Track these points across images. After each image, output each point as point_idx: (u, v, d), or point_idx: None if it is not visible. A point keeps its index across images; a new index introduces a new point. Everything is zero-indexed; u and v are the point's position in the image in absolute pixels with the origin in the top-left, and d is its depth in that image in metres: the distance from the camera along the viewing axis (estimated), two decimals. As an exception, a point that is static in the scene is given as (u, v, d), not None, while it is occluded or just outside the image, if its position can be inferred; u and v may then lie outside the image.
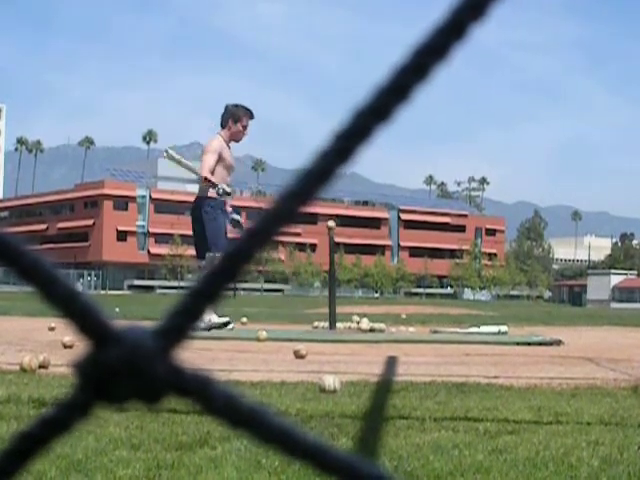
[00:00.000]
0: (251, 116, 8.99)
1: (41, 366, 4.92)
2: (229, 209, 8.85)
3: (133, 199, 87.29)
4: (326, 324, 9.42)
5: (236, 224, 8.87)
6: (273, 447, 0.43)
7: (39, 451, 0.45)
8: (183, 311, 0.43)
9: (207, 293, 0.43)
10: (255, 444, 0.43)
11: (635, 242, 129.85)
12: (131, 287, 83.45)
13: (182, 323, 0.43)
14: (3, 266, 0.43)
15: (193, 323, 0.43)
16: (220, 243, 8.57)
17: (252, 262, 0.43)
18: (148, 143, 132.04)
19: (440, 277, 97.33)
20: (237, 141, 8.98)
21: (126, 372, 0.41)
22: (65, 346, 6.37)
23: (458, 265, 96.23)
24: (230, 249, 0.43)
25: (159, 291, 79.67)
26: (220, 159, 8.75)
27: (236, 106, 8.91)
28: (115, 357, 0.41)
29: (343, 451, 0.43)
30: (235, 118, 8.82)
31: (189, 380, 0.43)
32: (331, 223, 9.84)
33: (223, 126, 8.89)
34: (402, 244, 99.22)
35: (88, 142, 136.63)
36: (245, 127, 8.91)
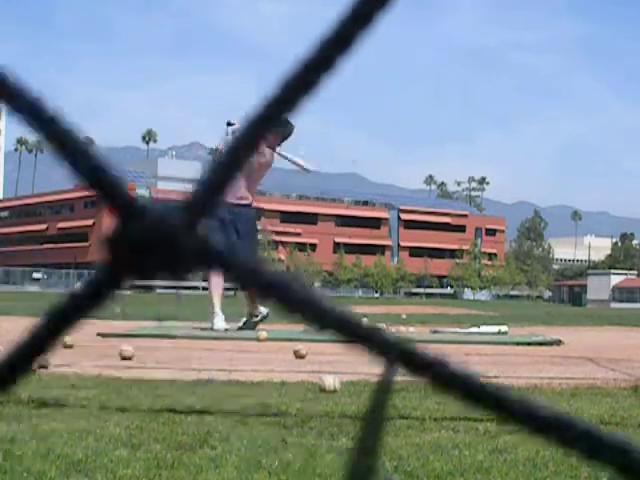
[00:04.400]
0: (284, 132, 9.04)
1: (41, 366, 4.92)
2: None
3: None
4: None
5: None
6: (298, 314, 0.44)
7: (71, 325, 0.45)
8: (207, 186, 0.43)
9: (229, 165, 0.43)
10: (281, 313, 0.43)
11: (635, 242, 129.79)
12: (131, 287, 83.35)
13: (206, 197, 0.43)
14: (37, 133, 0.44)
15: (216, 197, 0.43)
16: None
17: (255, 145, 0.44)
18: (148, 143, 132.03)
19: (440, 277, 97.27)
20: (271, 147, 9.02)
21: (152, 244, 0.42)
22: (65, 346, 6.36)
23: (458, 265, 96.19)
24: (241, 129, 0.44)
25: (159, 291, 79.61)
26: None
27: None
28: (144, 229, 0.42)
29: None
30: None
31: (214, 252, 0.43)
32: None
33: None
34: (402, 244, 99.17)
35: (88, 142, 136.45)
36: (275, 138, 8.96)
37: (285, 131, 9.04)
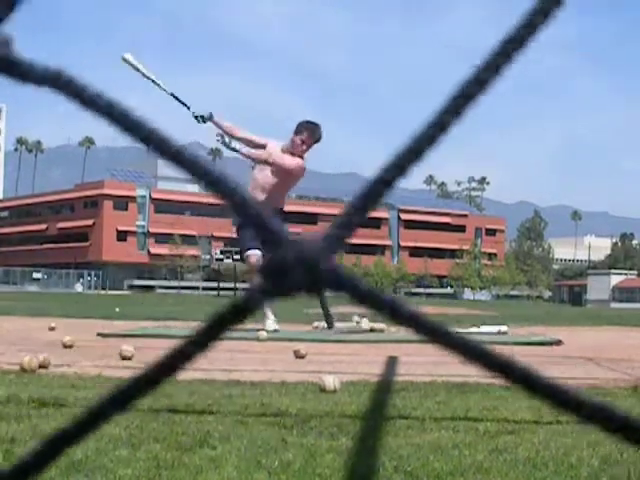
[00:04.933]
0: (318, 139, 9.06)
1: (41, 366, 4.92)
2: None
3: (133, 199, 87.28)
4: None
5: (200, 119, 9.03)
6: (431, 340, 0.56)
7: (228, 329, 0.59)
8: (342, 223, 0.54)
9: (360, 209, 0.55)
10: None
11: (635, 242, 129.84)
12: (131, 287, 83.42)
13: (341, 233, 0.54)
14: (196, 181, 0.55)
15: (349, 234, 0.55)
16: (245, 242, 8.84)
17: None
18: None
19: (440, 277, 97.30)
20: (295, 154, 9.03)
21: (295, 267, 0.53)
22: (65, 346, 6.36)
23: (458, 265, 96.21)
24: (375, 178, 0.57)
25: (159, 291, 79.62)
26: (267, 165, 8.90)
27: (309, 123, 9.08)
28: (287, 256, 0.53)
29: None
30: (302, 134, 8.96)
31: (345, 278, 0.54)
32: None
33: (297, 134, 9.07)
34: (402, 244, 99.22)
35: (88, 142, 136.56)
36: (308, 145, 8.99)
37: (316, 135, 9.08)
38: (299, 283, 0.54)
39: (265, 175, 9.00)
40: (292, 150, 8.99)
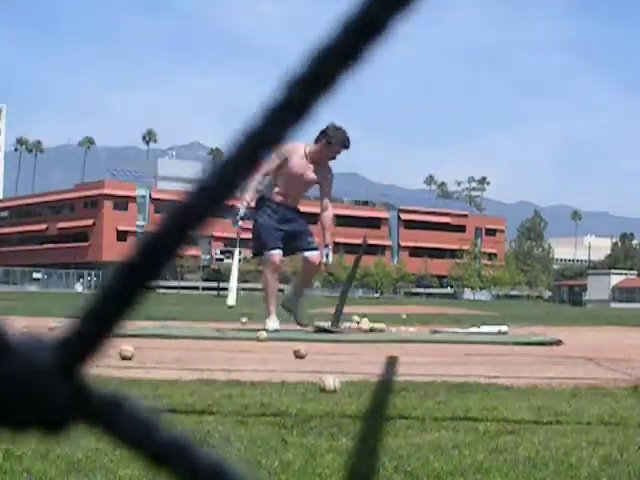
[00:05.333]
0: (345, 145, 9.02)
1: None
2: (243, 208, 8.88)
3: (133, 199, 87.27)
4: (326, 324, 9.44)
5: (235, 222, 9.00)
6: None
7: None
8: (91, 318, 0.35)
9: (121, 294, 0.35)
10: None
11: (635, 242, 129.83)
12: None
13: (90, 333, 0.35)
14: None
15: (105, 332, 0.35)
16: (267, 242, 8.84)
17: (178, 250, 0.34)
18: (148, 143, 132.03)
19: (440, 277, 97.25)
20: (321, 161, 9.00)
21: (17, 393, 0.33)
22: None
23: (458, 265, 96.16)
24: (147, 238, 0.35)
25: (159, 291, 79.64)
26: (283, 166, 8.81)
27: (336, 128, 8.94)
28: (7, 372, 0.33)
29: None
30: (329, 141, 8.84)
31: (97, 405, 0.34)
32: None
33: (316, 142, 8.95)
34: (402, 244, 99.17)
35: (88, 142, 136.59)
36: (334, 150, 8.93)
37: (346, 142, 9.02)
38: (25, 417, 0.33)
39: (285, 178, 8.99)
40: (320, 157, 8.96)
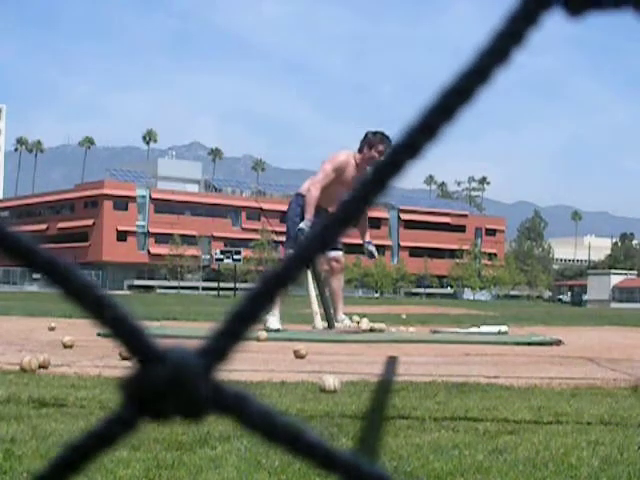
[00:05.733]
0: (388, 143, 9.08)
1: (41, 366, 4.92)
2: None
3: (133, 199, 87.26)
4: (326, 324, 9.45)
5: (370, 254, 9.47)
6: (308, 461, 0.45)
7: (85, 463, 0.50)
8: (226, 332, 0.45)
9: (250, 314, 0.45)
10: (291, 457, 0.45)
11: (635, 242, 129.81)
12: (131, 287, 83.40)
13: (224, 344, 0.45)
14: (61, 294, 0.47)
15: (235, 344, 0.45)
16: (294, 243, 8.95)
17: (297, 279, 0.44)
18: (148, 143, 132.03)
19: (440, 277, 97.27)
20: (365, 168, 9.06)
21: (170, 390, 0.43)
22: (65, 346, 6.36)
23: (458, 265, 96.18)
24: (274, 270, 0.44)
25: (159, 291, 79.60)
26: (339, 177, 8.94)
27: (374, 133, 9.06)
28: (159, 376, 0.43)
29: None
30: (371, 145, 8.96)
31: (229, 399, 0.45)
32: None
33: (360, 151, 9.07)
34: (402, 244, 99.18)
35: (88, 142, 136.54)
36: (381, 152, 8.98)
37: (386, 138, 9.09)
38: (173, 409, 0.44)
39: (339, 188, 9.05)
40: (369, 164, 9.03)
